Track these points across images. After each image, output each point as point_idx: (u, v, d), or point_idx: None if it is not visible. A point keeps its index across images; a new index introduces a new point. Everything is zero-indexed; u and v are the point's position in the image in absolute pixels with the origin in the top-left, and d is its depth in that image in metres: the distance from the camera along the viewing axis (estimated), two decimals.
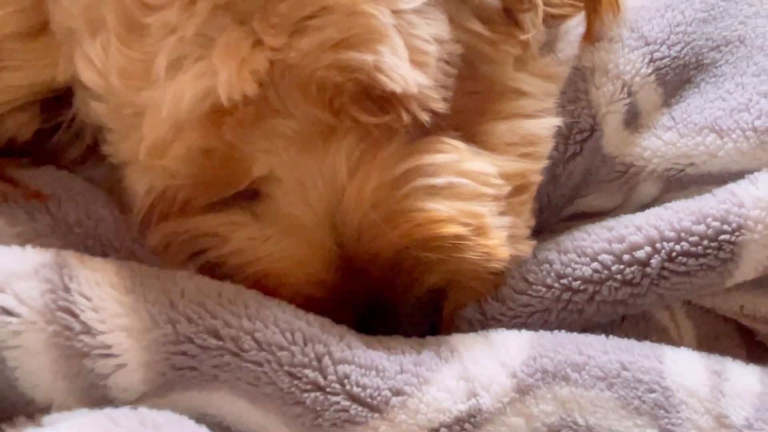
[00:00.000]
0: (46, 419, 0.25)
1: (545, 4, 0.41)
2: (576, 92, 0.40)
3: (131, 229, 0.35)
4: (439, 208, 0.32)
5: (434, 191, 0.32)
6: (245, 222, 0.34)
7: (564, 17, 0.42)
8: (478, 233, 0.32)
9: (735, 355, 0.40)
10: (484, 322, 0.35)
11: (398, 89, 0.30)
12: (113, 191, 0.37)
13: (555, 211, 0.41)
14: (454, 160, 0.33)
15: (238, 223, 0.34)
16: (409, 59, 0.30)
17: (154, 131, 0.31)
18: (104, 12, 0.31)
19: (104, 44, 0.31)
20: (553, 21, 0.42)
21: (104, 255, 0.33)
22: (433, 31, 0.32)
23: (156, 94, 0.30)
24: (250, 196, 0.34)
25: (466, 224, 0.32)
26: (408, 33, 0.31)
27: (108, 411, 0.24)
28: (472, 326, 0.35)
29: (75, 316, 0.26)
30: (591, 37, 0.40)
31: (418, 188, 0.32)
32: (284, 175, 0.32)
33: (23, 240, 0.34)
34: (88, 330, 0.26)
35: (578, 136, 0.40)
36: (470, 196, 0.33)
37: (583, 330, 0.35)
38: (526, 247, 0.36)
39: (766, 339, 0.42)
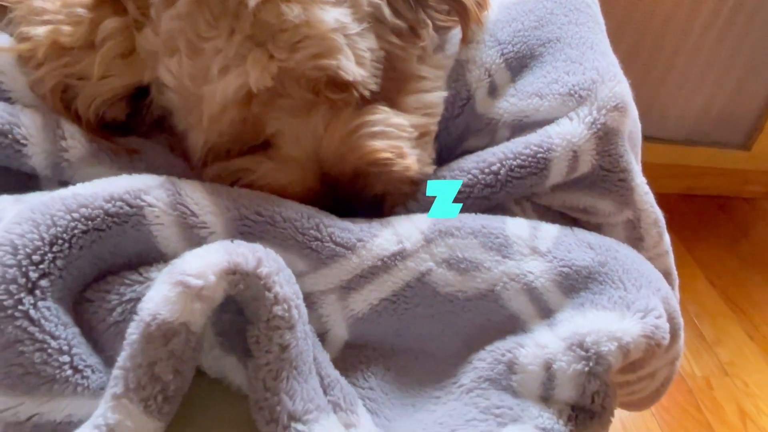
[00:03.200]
0: None
1: (436, 21, 0.59)
2: (457, 75, 0.59)
3: (192, 169, 0.55)
4: (377, 143, 0.51)
5: (374, 135, 0.51)
6: (264, 161, 0.52)
7: (449, 28, 0.60)
8: (400, 156, 0.51)
9: None
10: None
11: (350, 79, 0.49)
12: (173, 148, 0.55)
13: (450, 151, 0.60)
14: (384, 117, 0.52)
15: (260, 162, 0.52)
16: (355, 62, 0.49)
17: (211, 109, 0.49)
18: (177, 42, 0.49)
19: (178, 60, 0.49)
20: (442, 30, 0.60)
21: None
22: (367, 44, 0.51)
23: (212, 88, 0.48)
24: (266, 146, 0.52)
25: (392, 152, 0.51)
26: (353, 47, 0.49)
27: (220, 242, 0.44)
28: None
29: (186, 207, 0.45)
30: (466, 40, 0.59)
31: (365, 134, 0.51)
32: (286, 131, 0.51)
33: None
34: (194, 214, 0.45)
35: (460, 103, 0.59)
36: (394, 137, 0.52)
37: None
38: (429, 169, 0.55)
39: (586, 224, 0.59)
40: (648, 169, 0.67)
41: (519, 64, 0.60)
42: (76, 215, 0.43)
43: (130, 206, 0.44)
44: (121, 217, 0.44)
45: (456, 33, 0.61)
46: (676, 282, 0.67)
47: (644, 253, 0.61)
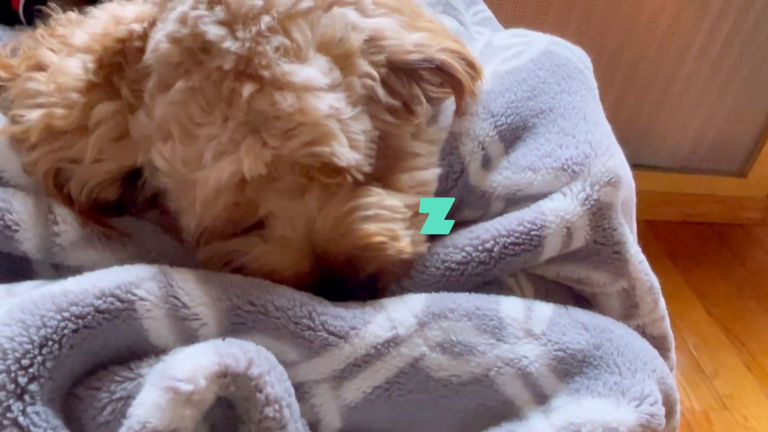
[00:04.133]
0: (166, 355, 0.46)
1: (429, 92, 0.59)
2: (451, 148, 0.59)
3: (186, 250, 0.54)
4: (370, 227, 0.51)
5: (367, 218, 0.51)
6: (257, 242, 0.52)
7: (442, 99, 0.60)
8: (393, 240, 0.51)
9: (562, 303, 0.58)
10: (401, 292, 0.53)
11: (344, 164, 0.49)
12: (167, 228, 0.55)
13: None
14: (378, 200, 0.52)
15: (253, 243, 0.51)
16: (348, 146, 0.49)
17: (204, 194, 0.49)
18: (171, 127, 0.49)
19: (172, 146, 0.49)
20: (435, 101, 0.60)
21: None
22: (361, 127, 0.51)
23: (205, 173, 0.48)
24: (259, 227, 0.52)
25: (386, 235, 0.51)
26: (347, 131, 0.49)
27: (211, 341, 0.44)
28: (394, 295, 0.53)
29: (178, 298, 0.45)
30: (459, 112, 0.59)
31: (358, 217, 0.51)
32: (279, 213, 0.51)
33: (124, 264, 0.53)
34: (185, 305, 0.45)
35: (453, 176, 0.59)
36: (388, 219, 0.52)
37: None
38: (423, 247, 0.55)
39: (581, 291, 0.60)
40: (644, 198, 0.67)
41: (512, 135, 0.61)
42: (66, 314, 0.42)
43: (121, 301, 0.44)
44: (112, 312, 0.44)
45: (449, 103, 0.61)
46: (672, 344, 0.67)
47: (639, 320, 0.61)
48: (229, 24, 0.49)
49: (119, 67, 0.52)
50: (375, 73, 0.53)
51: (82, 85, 0.52)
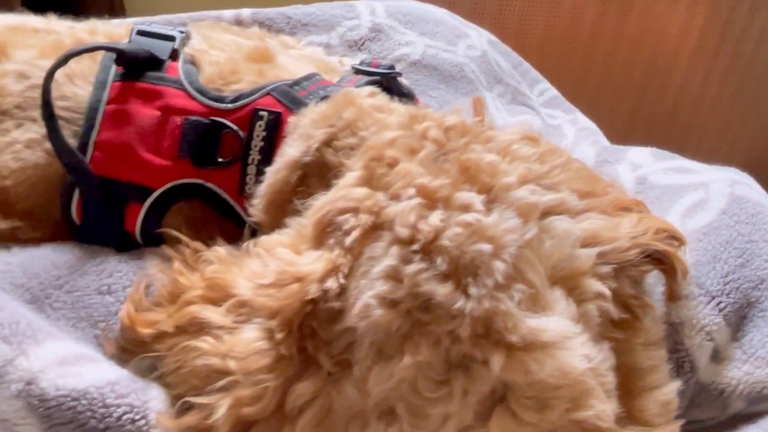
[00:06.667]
0: None
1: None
2: (675, 344, 0.51)
3: None
4: None
5: None
6: None
7: (642, 274, 0.49)
8: None
9: None
10: None
11: (606, 426, 0.40)
12: None
13: None
14: None
15: None
16: (606, 397, 0.40)
17: None
18: (394, 406, 0.40)
19: (399, 429, 0.40)
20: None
21: None
22: (607, 364, 0.42)
23: None
24: None
25: None
26: (599, 376, 0.41)
27: None
28: None
29: None
30: (673, 297, 0.51)
31: None
32: None
33: None
34: None
35: (683, 378, 0.51)
36: None
37: None
38: None
39: None
40: None
41: (737, 316, 0.53)
42: None
43: None
44: None
45: (654, 284, 0.52)
46: None
47: None
48: (455, 277, 0.40)
49: (312, 331, 0.42)
50: (607, 292, 0.44)
51: (270, 361, 0.42)
